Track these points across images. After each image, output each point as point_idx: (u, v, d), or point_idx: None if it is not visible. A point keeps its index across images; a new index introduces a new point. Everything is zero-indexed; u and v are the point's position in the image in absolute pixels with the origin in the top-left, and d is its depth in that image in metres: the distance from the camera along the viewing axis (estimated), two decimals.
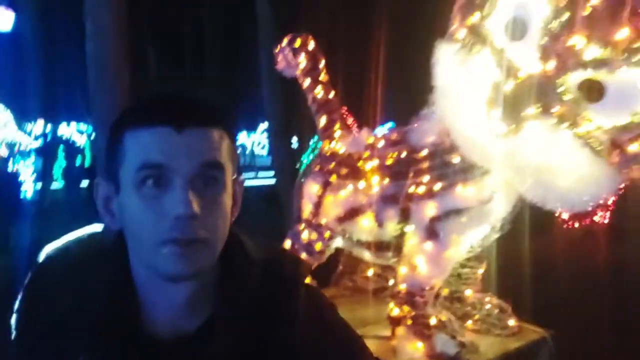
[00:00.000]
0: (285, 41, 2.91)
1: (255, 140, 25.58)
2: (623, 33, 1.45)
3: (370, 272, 2.92)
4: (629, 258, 6.61)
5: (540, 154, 1.59)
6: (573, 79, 1.55)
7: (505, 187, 1.95)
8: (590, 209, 1.67)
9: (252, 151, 26.04)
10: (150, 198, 0.80)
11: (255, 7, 7.45)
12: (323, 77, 2.86)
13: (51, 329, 0.90)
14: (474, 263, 2.42)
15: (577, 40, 1.49)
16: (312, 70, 2.85)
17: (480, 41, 1.67)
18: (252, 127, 24.58)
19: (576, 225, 9.39)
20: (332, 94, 2.85)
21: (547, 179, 1.65)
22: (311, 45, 2.88)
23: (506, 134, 1.59)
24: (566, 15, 1.51)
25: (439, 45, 1.80)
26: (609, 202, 9.05)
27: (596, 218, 9.24)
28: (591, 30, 1.47)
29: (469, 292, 2.46)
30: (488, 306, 2.40)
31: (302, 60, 2.85)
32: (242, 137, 28.84)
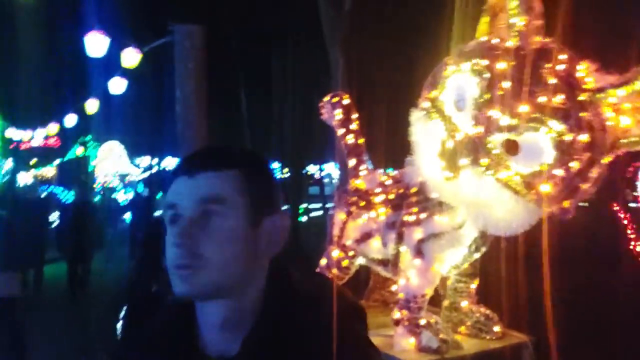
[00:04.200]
0: (326, 98, 3.65)
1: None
2: (524, 108, 2.03)
3: (394, 287, 3.50)
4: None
5: (475, 193, 2.17)
6: (496, 138, 2.12)
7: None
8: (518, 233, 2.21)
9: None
10: (169, 232, 0.94)
11: (329, 57, 8.33)
12: (354, 126, 3.53)
13: (140, 346, 1.07)
14: (467, 279, 2.94)
15: (495, 112, 2.08)
16: (345, 121, 3.52)
17: (436, 110, 2.30)
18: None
19: None
20: (361, 141, 3.53)
21: (484, 211, 2.22)
22: (346, 101, 3.58)
23: (449, 178, 2.19)
24: (487, 95, 2.11)
25: (413, 112, 2.45)
26: None
27: None
28: (503, 106, 2.06)
29: (464, 303, 2.96)
30: (477, 314, 2.92)
31: (338, 113, 3.55)
32: (329, 167, 30.39)
